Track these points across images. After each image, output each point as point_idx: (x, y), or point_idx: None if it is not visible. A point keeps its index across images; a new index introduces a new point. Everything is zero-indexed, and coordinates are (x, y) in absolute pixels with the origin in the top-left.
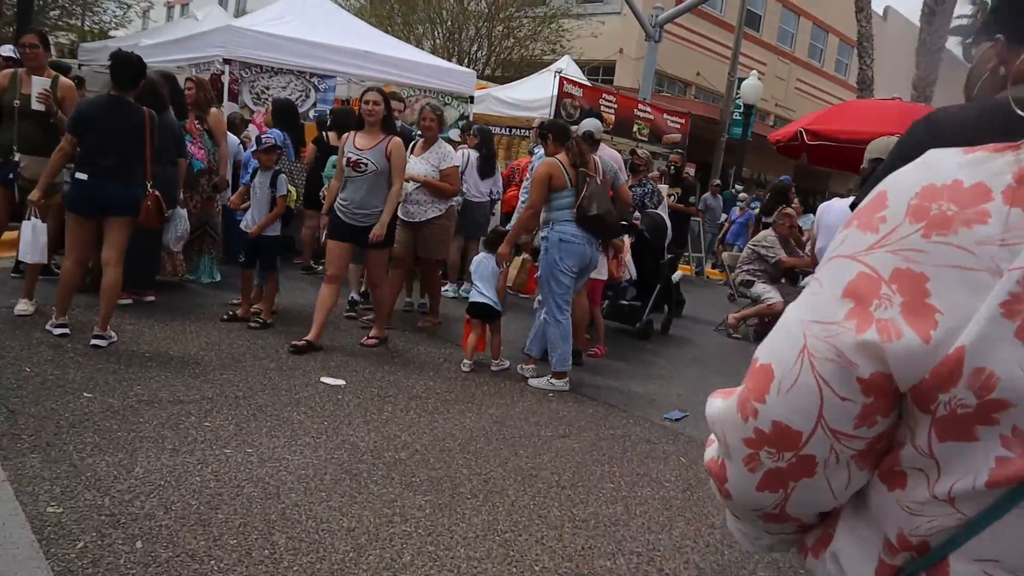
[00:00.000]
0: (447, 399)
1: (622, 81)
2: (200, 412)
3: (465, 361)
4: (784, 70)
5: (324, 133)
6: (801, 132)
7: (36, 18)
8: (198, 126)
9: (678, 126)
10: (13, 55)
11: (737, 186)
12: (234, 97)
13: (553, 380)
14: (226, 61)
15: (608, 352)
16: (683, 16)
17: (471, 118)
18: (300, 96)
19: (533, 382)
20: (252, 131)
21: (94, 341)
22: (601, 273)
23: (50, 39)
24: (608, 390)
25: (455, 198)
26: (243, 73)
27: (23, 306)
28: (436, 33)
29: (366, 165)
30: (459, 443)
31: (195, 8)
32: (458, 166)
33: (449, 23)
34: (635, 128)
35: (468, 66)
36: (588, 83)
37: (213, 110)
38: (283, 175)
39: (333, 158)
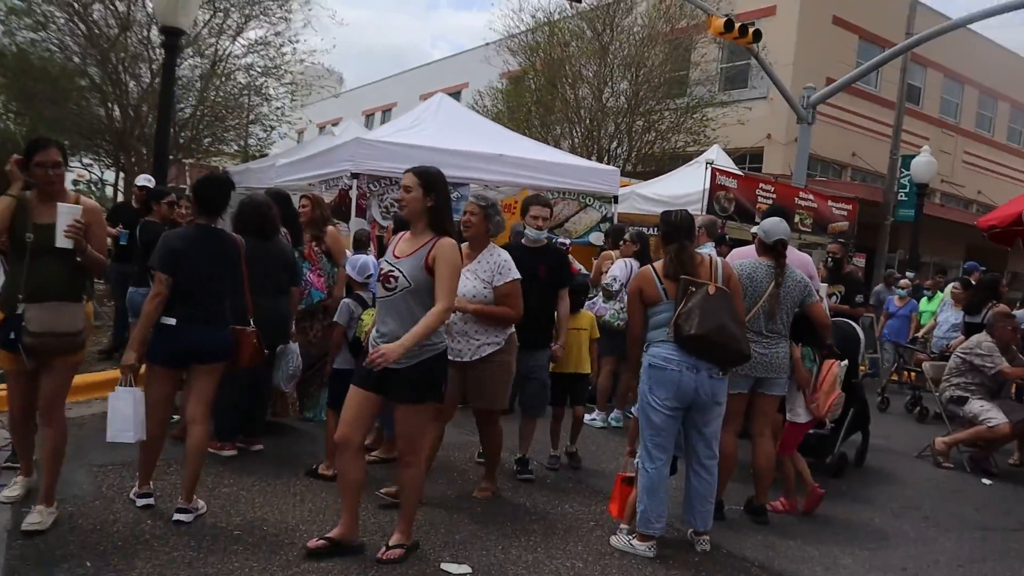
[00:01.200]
0: None
1: (771, 168)
2: None
3: (622, 527)
4: (949, 143)
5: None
6: None
7: (190, 147)
8: (316, 249)
9: (845, 213)
10: (149, 184)
11: (909, 274)
12: (362, 212)
13: (635, 542)
14: (354, 175)
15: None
16: (836, 95)
17: (615, 219)
18: None
19: (614, 540)
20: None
21: (177, 516)
22: (797, 414)
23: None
24: (810, 563)
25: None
26: (371, 187)
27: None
28: (574, 132)
29: (396, 280)
30: None
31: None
32: (519, 280)
33: (587, 121)
34: (797, 219)
35: (608, 163)
36: (741, 173)
37: (330, 228)
38: (347, 301)
39: None
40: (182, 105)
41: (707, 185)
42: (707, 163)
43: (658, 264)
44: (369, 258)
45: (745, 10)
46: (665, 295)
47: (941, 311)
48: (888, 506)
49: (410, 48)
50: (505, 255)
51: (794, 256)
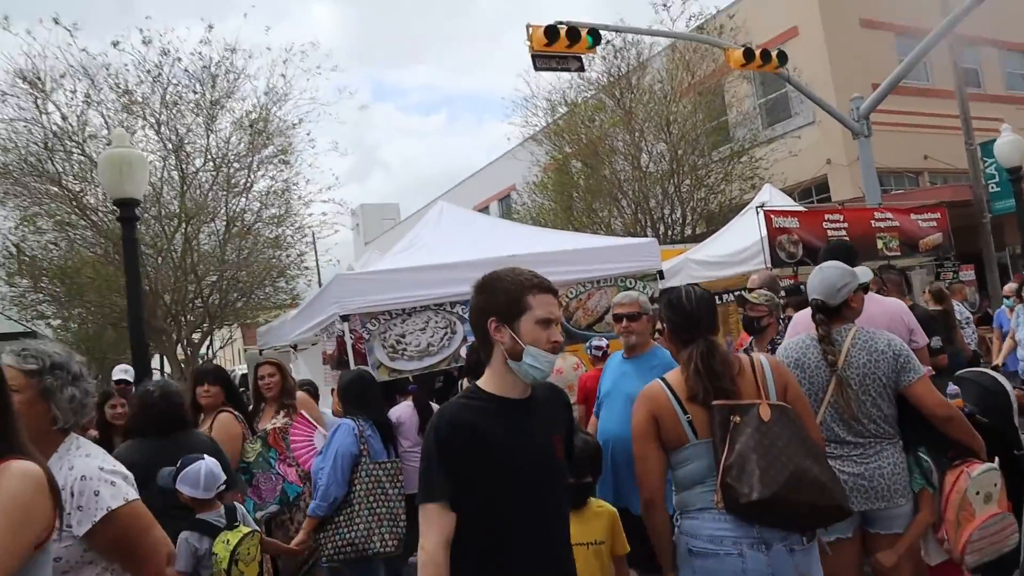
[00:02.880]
0: None
1: (841, 194)
2: None
3: None
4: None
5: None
6: None
7: (225, 314)
8: (280, 430)
9: (934, 223)
10: (128, 378)
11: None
12: (363, 359)
13: None
14: (344, 318)
15: None
16: (888, 99)
17: None
18: (445, 334)
19: None
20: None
21: None
22: (927, 552)
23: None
24: None
25: None
26: (369, 326)
27: None
28: (622, 210)
29: None
30: None
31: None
32: (131, 503)
33: (631, 193)
34: (880, 244)
35: (664, 232)
36: (801, 208)
37: (300, 395)
38: (185, 536)
39: None
40: (202, 269)
41: (763, 232)
42: (758, 208)
43: (673, 377)
44: (208, 462)
45: (766, 39)
46: (692, 431)
47: (1019, 324)
48: None
49: (467, 166)
50: (90, 464)
51: (877, 308)
